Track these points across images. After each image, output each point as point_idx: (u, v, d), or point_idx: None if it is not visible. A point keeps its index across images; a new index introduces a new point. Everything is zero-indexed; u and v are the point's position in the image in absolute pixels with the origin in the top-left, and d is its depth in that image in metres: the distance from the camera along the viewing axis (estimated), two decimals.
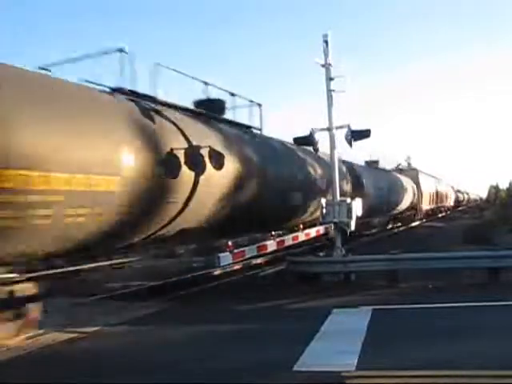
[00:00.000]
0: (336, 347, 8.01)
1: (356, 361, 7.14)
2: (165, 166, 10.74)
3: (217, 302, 11.96)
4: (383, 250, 16.09)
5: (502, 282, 12.87)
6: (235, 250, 13.56)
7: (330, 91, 15.30)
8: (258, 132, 16.63)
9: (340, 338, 8.61)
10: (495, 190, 72.00)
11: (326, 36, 15.34)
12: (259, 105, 16.29)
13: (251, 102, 16.07)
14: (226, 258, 13.15)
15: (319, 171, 18.74)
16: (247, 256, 14.28)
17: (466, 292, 12.05)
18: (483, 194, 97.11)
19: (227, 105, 15.17)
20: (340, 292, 12.67)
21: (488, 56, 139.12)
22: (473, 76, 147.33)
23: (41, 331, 9.47)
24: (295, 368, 7.06)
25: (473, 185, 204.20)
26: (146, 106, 11.35)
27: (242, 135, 15.23)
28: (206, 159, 11.97)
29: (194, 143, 11.85)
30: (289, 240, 16.90)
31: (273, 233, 16.19)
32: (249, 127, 16.32)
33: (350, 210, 15.20)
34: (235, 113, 15.74)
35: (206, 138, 12.47)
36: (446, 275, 13.72)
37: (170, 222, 11.74)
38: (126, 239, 10.98)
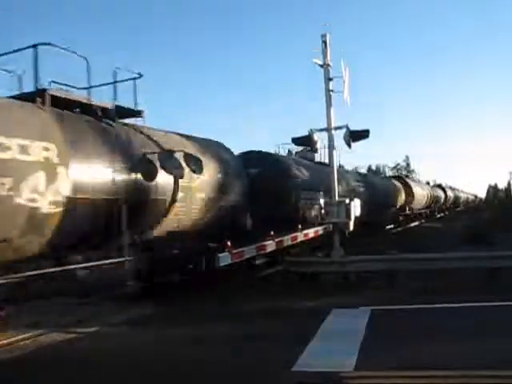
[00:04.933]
0: (335, 347, 8.02)
1: (355, 361, 7.15)
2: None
3: (216, 302, 11.95)
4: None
5: (501, 283, 12.89)
6: (234, 250, 13.57)
7: (328, 91, 15.31)
8: None
9: (339, 338, 8.62)
10: (494, 190, 72.02)
11: (324, 36, 15.37)
12: None
13: None
14: (224, 258, 13.16)
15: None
16: (246, 256, 14.28)
17: (464, 292, 12.04)
18: (482, 194, 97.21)
19: None
20: (339, 292, 12.68)
21: (488, 53, 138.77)
22: (473, 75, 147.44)
23: (40, 331, 9.50)
24: (294, 368, 7.07)
25: (472, 185, 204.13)
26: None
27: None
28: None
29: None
30: (288, 240, 16.91)
31: (271, 233, 16.18)
32: None
33: (348, 211, 15.21)
34: None
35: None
36: (445, 275, 13.74)
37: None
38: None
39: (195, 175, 12.59)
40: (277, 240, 15.98)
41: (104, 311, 11.17)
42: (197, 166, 12.36)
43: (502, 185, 66.97)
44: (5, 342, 8.95)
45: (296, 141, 16.56)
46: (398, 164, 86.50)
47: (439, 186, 61.17)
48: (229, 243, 13.44)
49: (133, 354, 8.21)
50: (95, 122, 11.10)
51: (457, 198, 72.49)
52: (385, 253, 14.85)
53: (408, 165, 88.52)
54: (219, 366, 7.44)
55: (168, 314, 11.16)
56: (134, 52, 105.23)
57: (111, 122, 11.57)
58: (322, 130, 15.64)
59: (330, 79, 15.32)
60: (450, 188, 69.43)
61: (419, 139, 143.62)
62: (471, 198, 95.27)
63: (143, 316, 10.87)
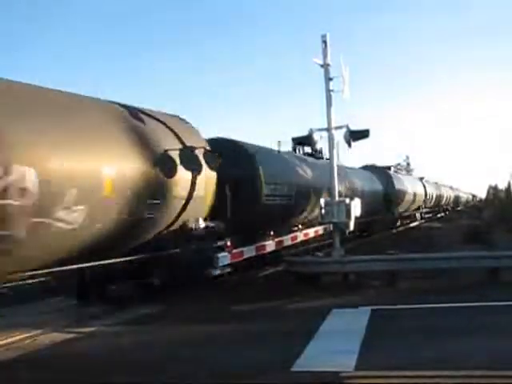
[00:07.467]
0: (335, 347, 8.01)
1: (355, 361, 7.13)
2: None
3: (216, 302, 11.95)
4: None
5: (502, 282, 12.88)
6: (234, 250, 13.55)
7: (328, 91, 15.28)
8: None
9: (339, 338, 8.61)
10: (494, 190, 72.06)
11: (324, 36, 15.34)
12: None
13: None
14: (224, 258, 13.13)
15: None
16: (245, 256, 14.27)
17: (465, 292, 12.05)
18: (483, 194, 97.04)
19: None
20: (339, 292, 12.66)
21: (489, 52, 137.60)
22: (473, 74, 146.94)
23: (39, 331, 9.49)
24: (294, 368, 7.05)
25: (473, 185, 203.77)
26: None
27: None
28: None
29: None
30: (287, 240, 16.91)
31: (271, 233, 16.17)
32: None
33: (348, 211, 15.19)
34: None
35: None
36: (446, 275, 13.73)
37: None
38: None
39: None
40: (277, 240, 16.00)
41: (102, 311, 11.16)
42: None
43: (502, 185, 66.98)
44: (4, 342, 8.94)
45: (296, 140, 16.56)
46: (398, 164, 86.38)
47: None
48: (228, 243, 13.43)
49: (131, 355, 8.20)
50: None
51: (457, 197, 72.69)
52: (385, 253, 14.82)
53: (408, 165, 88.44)
54: (219, 366, 7.43)
55: (167, 313, 11.16)
56: None
57: None
58: (322, 129, 15.62)
59: (330, 79, 15.29)
60: (451, 188, 69.45)
61: (419, 139, 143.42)
62: (471, 197, 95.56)
63: (142, 316, 10.86)
